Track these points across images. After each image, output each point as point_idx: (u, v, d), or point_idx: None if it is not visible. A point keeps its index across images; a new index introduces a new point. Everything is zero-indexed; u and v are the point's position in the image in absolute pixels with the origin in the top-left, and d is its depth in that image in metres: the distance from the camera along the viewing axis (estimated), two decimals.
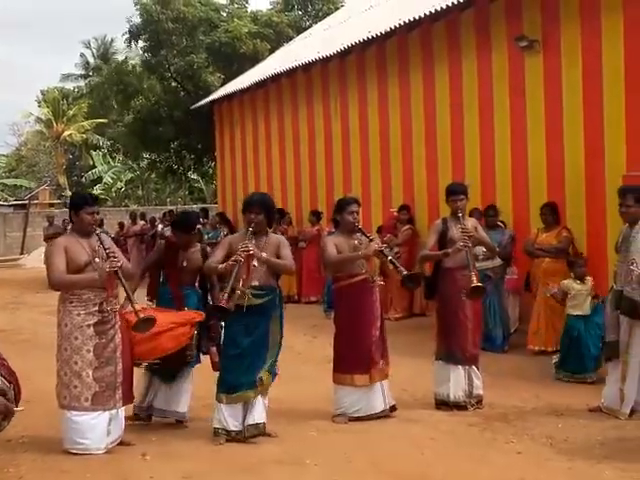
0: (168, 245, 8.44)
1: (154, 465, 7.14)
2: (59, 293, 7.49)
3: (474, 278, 8.29)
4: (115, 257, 7.39)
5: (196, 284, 8.53)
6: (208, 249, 8.68)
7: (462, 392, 8.58)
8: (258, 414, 7.67)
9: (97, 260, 7.40)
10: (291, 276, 16.01)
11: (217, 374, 7.88)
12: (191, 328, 7.97)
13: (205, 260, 8.26)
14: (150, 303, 8.21)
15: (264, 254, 7.61)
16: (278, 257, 7.76)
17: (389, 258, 8.31)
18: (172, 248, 8.38)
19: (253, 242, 7.61)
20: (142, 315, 7.35)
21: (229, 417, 7.66)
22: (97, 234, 7.50)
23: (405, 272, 8.25)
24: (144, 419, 8.31)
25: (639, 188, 8.21)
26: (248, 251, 7.46)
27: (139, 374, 8.23)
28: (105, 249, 7.40)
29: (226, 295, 7.41)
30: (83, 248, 7.41)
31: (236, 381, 7.62)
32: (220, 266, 7.61)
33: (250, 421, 7.63)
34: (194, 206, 37.00)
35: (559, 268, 11.33)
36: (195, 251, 8.46)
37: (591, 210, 11.87)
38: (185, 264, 8.32)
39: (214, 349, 8.19)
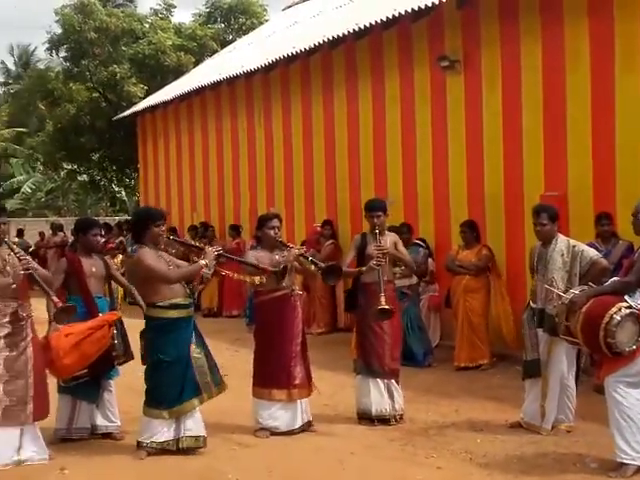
0: (70, 260, 8.35)
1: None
2: None
3: (382, 300, 8.34)
4: (27, 260, 7.37)
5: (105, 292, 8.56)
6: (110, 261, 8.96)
7: (387, 405, 8.64)
8: (197, 426, 7.70)
9: (8, 269, 7.34)
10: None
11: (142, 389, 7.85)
12: (109, 329, 7.94)
13: (108, 268, 8.48)
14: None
15: None
16: None
17: (310, 259, 8.45)
18: (75, 261, 8.30)
19: None
20: (61, 305, 7.35)
21: (159, 428, 7.62)
22: (6, 242, 7.44)
23: (324, 266, 8.38)
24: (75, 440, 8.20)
25: (553, 207, 8.40)
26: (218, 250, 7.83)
27: (58, 398, 8.17)
28: (15, 253, 7.35)
29: None
30: None
31: (177, 393, 7.59)
32: (202, 262, 7.64)
33: (188, 432, 7.64)
34: (116, 218, 36.62)
35: (479, 285, 11.55)
36: (98, 258, 8.48)
37: (510, 229, 12.10)
38: (94, 269, 8.30)
39: None
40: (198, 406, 7.71)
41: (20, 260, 7.32)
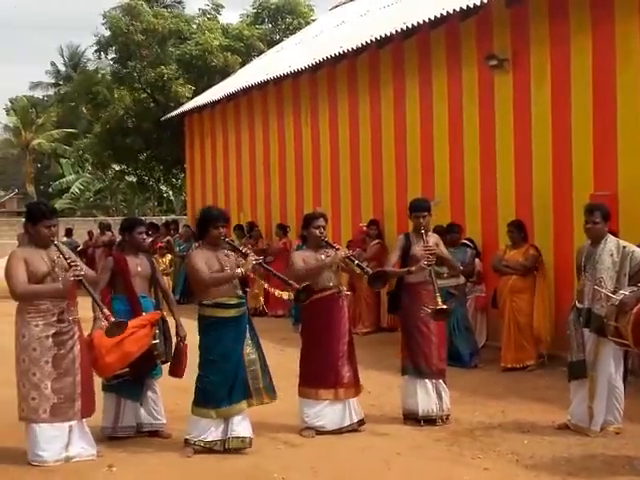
0: (116, 259, 8.41)
1: (120, 477, 7.15)
2: (17, 304, 7.46)
3: (439, 300, 8.34)
4: (77, 265, 7.39)
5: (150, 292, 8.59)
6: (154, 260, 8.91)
7: (434, 406, 8.62)
8: (244, 427, 7.71)
9: (57, 270, 7.40)
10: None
11: (190, 388, 7.88)
12: (151, 328, 8.01)
13: (154, 268, 8.48)
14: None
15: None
16: None
17: (356, 262, 8.41)
18: (120, 260, 8.35)
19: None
20: (113, 319, 7.34)
21: (207, 427, 7.65)
22: (55, 244, 7.49)
23: (370, 271, 8.35)
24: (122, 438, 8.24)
25: (606, 206, 8.31)
26: (258, 260, 7.66)
27: (103, 396, 8.22)
28: (66, 259, 7.39)
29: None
30: (42, 259, 7.39)
31: (226, 394, 7.61)
32: (237, 272, 7.63)
33: (235, 433, 7.65)
34: (163, 217, 36.86)
35: (526, 285, 11.44)
36: (144, 258, 8.51)
37: (559, 228, 11.99)
38: (140, 269, 8.34)
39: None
40: (246, 409, 7.72)
41: (70, 266, 7.36)
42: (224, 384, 7.61)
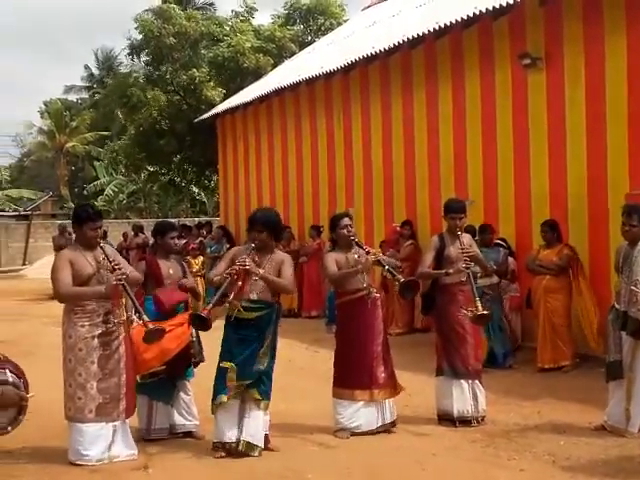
0: (149, 263, 8.48)
1: (155, 478, 7.17)
2: (64, 305, 7.56)
3: (479, 305, 8.30)
4: (120, 268, 7.45)
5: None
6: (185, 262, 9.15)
7: (469, 407, 8.58)
8: (257, 434, 7.66)
9: (102, 272, 7.48)
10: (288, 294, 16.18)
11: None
12: (189, 327, 8.05)
13: (184, 271, 8.58)
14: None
15: (261, 271, 7.64)
16: (279, 275, 7.77)
17: (386, 267, 8.35)
18: (153, 263, 8.43)
19: (255, 258, 7.68)
20: (151, 326, 7.41)
21: (223, 428, 7.66)
22: (101, 247, 7.57)
23: (402, 280, 8.28)
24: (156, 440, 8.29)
25: None
26: (244, 266, 7.52)
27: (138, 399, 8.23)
28: (110, 261, 7.46)
29: (210, 306, 7.48)
30: (87, 261, 7.48)
31: (225, 389, 7.65)
32: (215, 278, 7.68)
33: (247, 438, 7.62)
34: (196, 219, 36.97)
35: (560, 285, 11.36)
36: (175, 261, 8.61)
37: (594, 228, 11.90)
38: (171, 272, 8.40)
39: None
40: (224, 401, 7.62)
41: (113, 269, 7.42)
42: (219, 378, 7.67)
